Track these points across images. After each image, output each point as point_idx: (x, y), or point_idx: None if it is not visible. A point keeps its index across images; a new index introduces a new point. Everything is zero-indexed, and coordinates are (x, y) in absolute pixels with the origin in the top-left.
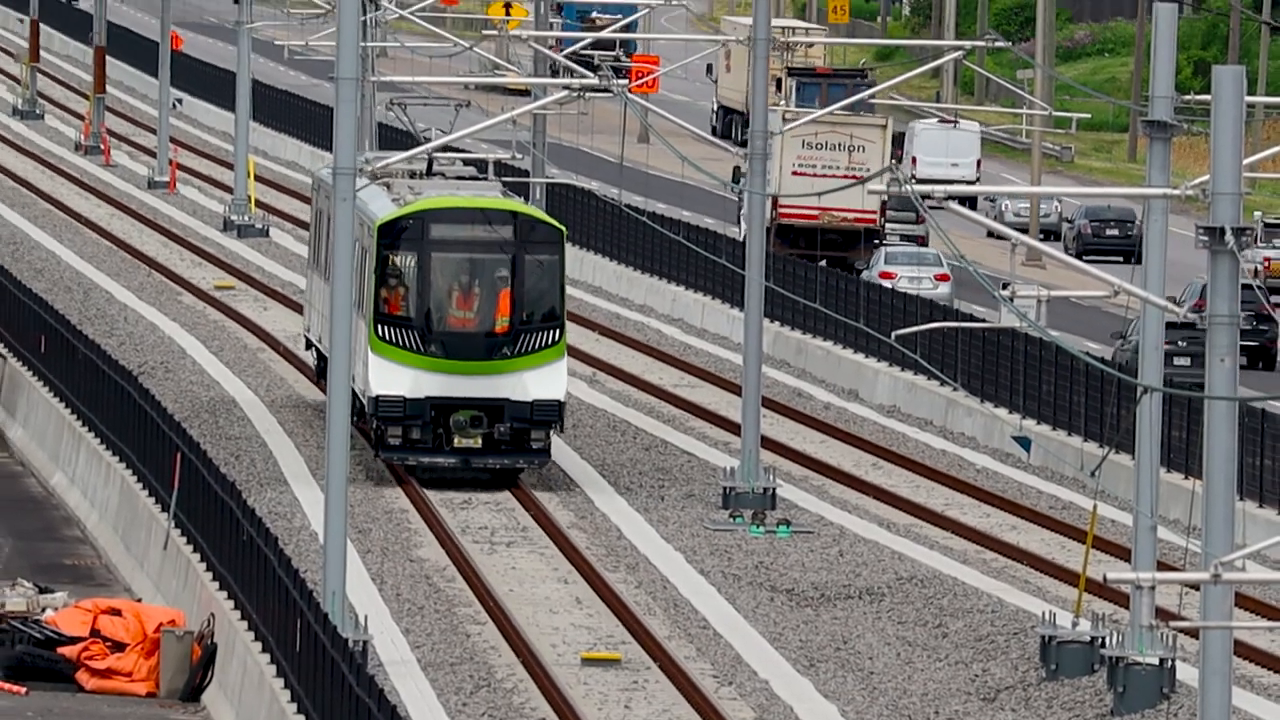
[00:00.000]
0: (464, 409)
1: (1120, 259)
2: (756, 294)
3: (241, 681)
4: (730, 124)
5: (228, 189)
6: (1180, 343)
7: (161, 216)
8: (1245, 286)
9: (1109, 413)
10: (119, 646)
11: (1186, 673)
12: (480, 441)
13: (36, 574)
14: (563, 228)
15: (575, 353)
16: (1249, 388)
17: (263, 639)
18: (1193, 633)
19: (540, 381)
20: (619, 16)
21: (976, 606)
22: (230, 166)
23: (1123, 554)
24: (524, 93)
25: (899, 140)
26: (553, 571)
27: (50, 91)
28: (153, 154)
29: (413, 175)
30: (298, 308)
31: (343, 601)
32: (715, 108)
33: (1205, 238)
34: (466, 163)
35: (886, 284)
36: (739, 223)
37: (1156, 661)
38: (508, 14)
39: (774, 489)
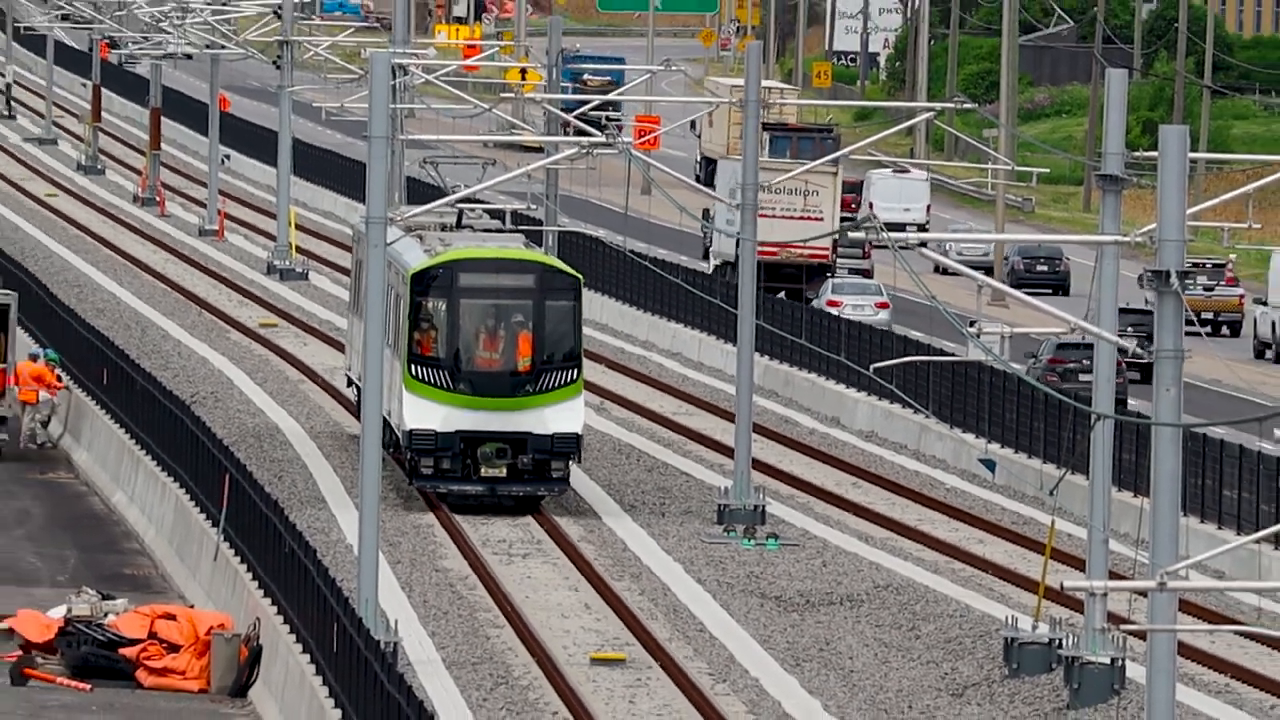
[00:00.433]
0: (490, 441)
1: (1050, 291)
2: (748, 331)
3: (284, 679)
4: (711, 172)
5: (271, 236)
6: (1085, 361)
7: (211, 261)
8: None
9: (1065, 437)
10: (174, 648)
11: (1135, 671)
12: (505, 471)
13: (100, 583)
14: (580, 276)
15: (585, 384)
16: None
17: (303, 641)
18: (1141, 635)
19: (560, 416)
20: (608, 79)
21: (946, 612)
22: (273, 216)
23: (1078, 564)
24: (538, 149)
25: (856, 187)
26: (564, 580)
27: (111, 149)
28: (203, 205)
29: (444, 228)
30: (335, 343)
31: (375, 607)
32: (699, 158)
33: (1152, 280)
34: (489, 213)
35: (833, 311)
36: (706, 257)
37: (1108, 661)
38: (523, 78)
39: (764, 506)
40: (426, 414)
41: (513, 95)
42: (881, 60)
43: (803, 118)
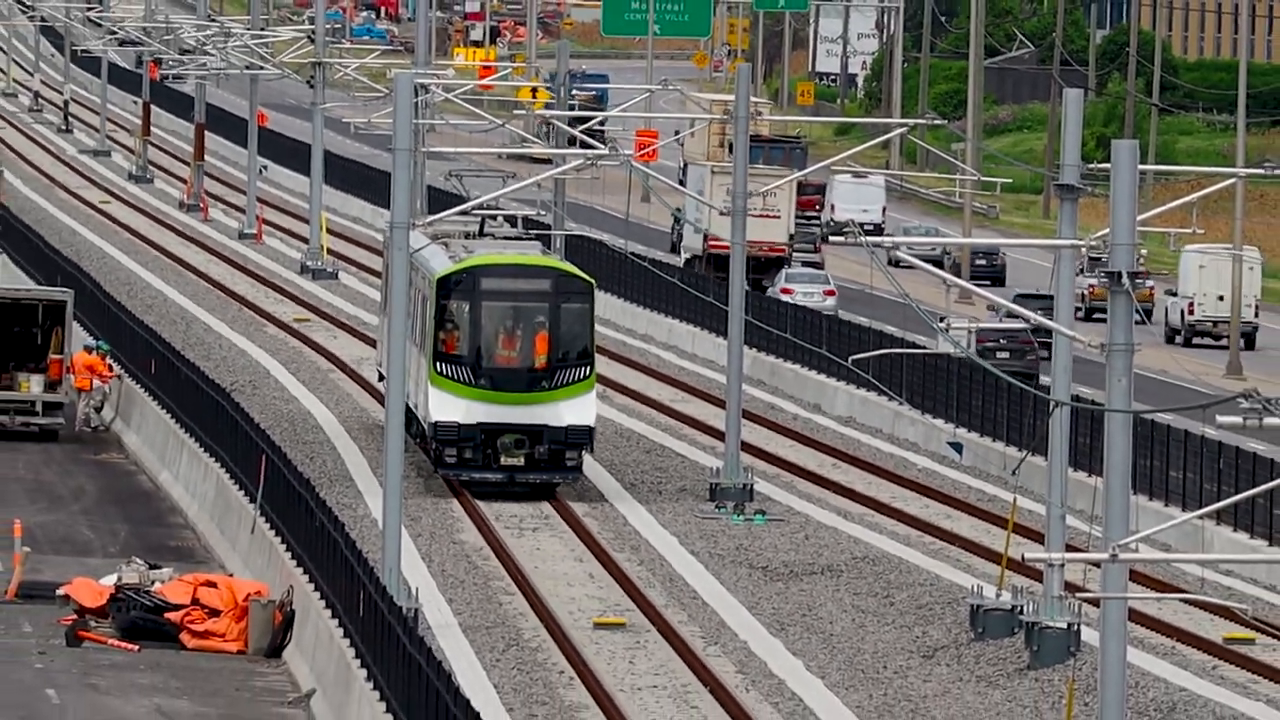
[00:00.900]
0: (509, 433)
1: (988, 282)
2: (738, 325)
3: (315, 641)
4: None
5: (304, 240)
6: (1001, 340)
7: (250, 262)
8: (1011, 316)
9: (1026, 423)
10: (214, 613)
11: (1089, 635)
12: (523, 460)
13: (147, 553)
14: (593, 280)
15: None
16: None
17: (332, 607)
18: (1094, 602)
19: (573, 410)
20: (593, 93)
21: (917, 581)
22: (306, 221)
23: (1038, 538)
24: (547, 161)
25: (820, 190)
26: (570, 552)
27: (159, 160)
28: (243, 211)
29: (467, 236)
30: (363, 337)
31: (398, 576)
32: (681, 163)
33: (1106, 280)
34: (504, 218)
35: (786, 298)
36: (676, 251)
37: (1065, 626)
38: (534, 96)
39: (752, 485)
40: (450, 407)
41: (525, 112)
42: (860, 80)
43: (773, 130)
